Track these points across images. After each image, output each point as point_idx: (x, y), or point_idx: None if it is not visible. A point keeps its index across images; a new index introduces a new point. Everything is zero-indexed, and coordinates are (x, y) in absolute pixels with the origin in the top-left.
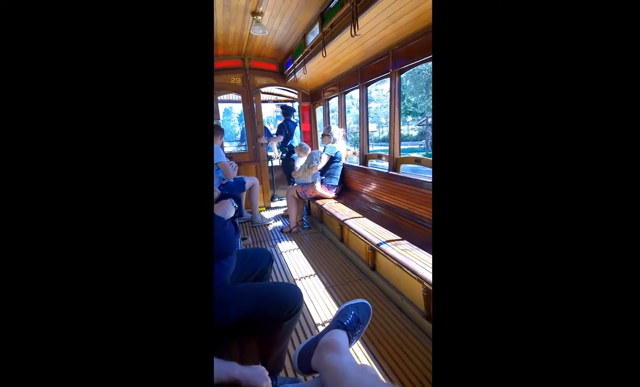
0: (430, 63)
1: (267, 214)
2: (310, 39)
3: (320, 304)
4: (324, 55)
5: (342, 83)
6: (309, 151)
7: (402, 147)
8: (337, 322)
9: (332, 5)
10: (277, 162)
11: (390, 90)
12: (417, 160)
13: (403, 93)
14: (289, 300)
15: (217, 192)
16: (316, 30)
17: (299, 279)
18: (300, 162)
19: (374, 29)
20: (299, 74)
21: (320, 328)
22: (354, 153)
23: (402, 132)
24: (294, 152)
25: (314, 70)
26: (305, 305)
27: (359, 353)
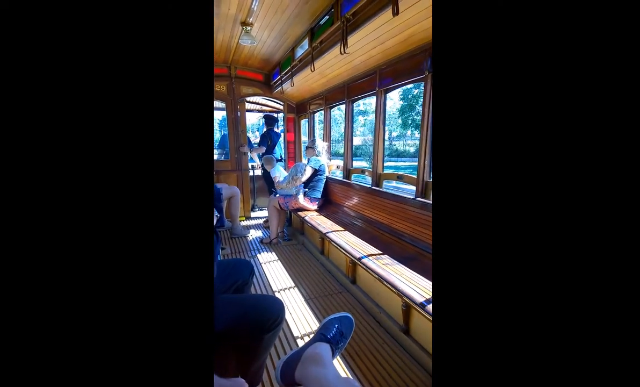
0: (416, 84)
1: (246, 223)
2: (299, 52)
3: (299, 317)
4: (312, 69)
5: (328, 97)
6: (274, 162)
7: (409, 163)
8: (320, 335)
9: (322, 22)
10: (258, 172)
11: (376, 108)
12: (399, 177)
13: (412, 103)
14: (271, 312)
15: None
16: (305, 44)
17: (279, 291)
18: (277, 173)
19: (362, 49)
20: (286, 86)
21: (299, 340)
22: (337, 167)
23: (409, 147)
24: (278, 162)
25: (302, 83)
26: (285, 318)
27: (337, 367)
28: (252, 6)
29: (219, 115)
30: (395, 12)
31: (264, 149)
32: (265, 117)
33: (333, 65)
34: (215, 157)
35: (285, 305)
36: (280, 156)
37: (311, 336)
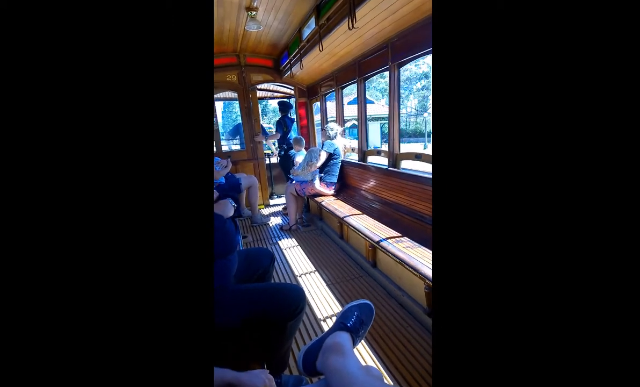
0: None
1: (266, 212)
2: (306, 33)
3: (322, 301)
4: (321, 49)
5: (339, 77)
6: (303, 143)
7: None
8: (340, 324)
9: None
10: (274, 160)
11: (390, 85)
12: (417, 156)
13: None
14: (293, 301)
15: (215, 194)
16: (312, 23)
17: (300, 276)
18: (299, 156)
19: (372, 21)
20: (295, 69)
21: (323, 325)
22: (352, 149)
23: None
24: (292, 149)
25: (311, 65)
26: (307, 302)
27: (362, 351)
28: None
29: (219, 105)
30: None
31: (279, 136)
32: (279, 103)
33: (342, 43)
34: (232, 147)
35: (307, 291)
36: None
37: (334, 319)
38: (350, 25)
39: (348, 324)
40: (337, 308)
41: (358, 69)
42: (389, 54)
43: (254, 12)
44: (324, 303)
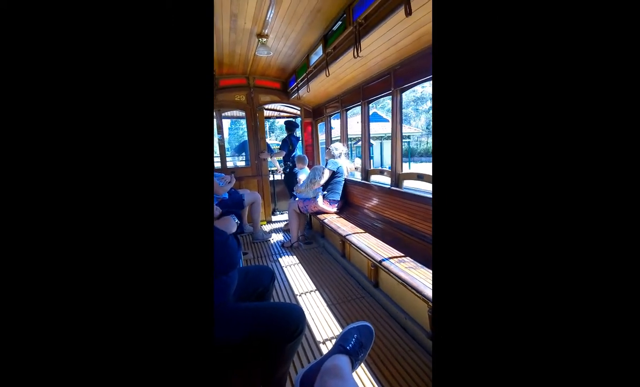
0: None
1: (268, 228)
2: (314, 59)
3: (321, 322)
4: (327, 74)
5: (344, 100)
6: (306, 161)
7: None
8: (339, 347)
9: (335, 28)
10: (278, 177)
11: (392, 108)
12: (419, 176)
13: None
14: (292, 322)
15: (217, 210)
16: (319, 51)
17: (300, 295)
18: (302, 174)
19: (376, 50)
20: (302, 92)
21: (322, 347)
22: (355, 169)
23: None
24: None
25: (317, 88)
26: (307, 323)
27: (361, 375)
28: (267, 18)
29: (227, 123)
30: (408, 12)
31: (284, 153)
32: (286, 123)
33: (347, 69)
34: (238, 163)
35: (307, 311)
36: None
37: (334, 341)
38: (356, 54)
39: (347, 347)
40: (337, 330)
41: (362, 93)
42: (391, 80)
43: (265, 39)
44: (323, 324)
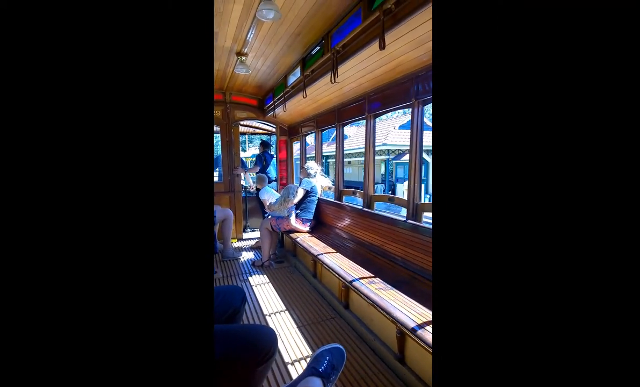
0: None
1: (238, 245)
2: (292, 80)
3: (291, 344)
4: (304, 96)
5: (319, 121)
6: (267, 180)
7: None
8: (312, 369)
9: (313, 52)
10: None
11: (366, 132)
12: (390, 199)
13: None
14: (264, 344)
15: None
16: (297, 72)
17: (270, 315)
18: (267, 194)
19: (351, 77)
20: (279, 110)
21: (290, 369)
22: (329, 188)
23: None
24: (271, 182)
25: (294, 108)
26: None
27: None
28: (247, 38)
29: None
30: (382, 46)
31: (258, 169)
32: (261, 142)
33: (324, 92)
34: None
35: (277, 332)
36: (275, 178)
37: (304, 363)
38: (333, 80)
39: (320, 369)
40: (307, 351)
41: (337, 116)
42: (365, 105)
43: (244, 57)
44: (293, 346)
